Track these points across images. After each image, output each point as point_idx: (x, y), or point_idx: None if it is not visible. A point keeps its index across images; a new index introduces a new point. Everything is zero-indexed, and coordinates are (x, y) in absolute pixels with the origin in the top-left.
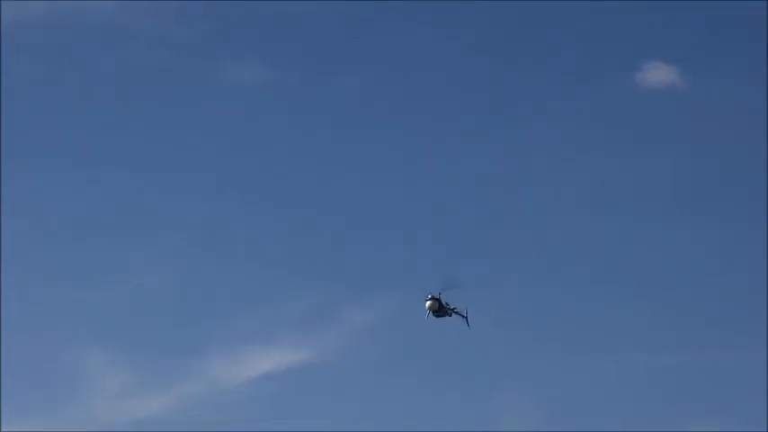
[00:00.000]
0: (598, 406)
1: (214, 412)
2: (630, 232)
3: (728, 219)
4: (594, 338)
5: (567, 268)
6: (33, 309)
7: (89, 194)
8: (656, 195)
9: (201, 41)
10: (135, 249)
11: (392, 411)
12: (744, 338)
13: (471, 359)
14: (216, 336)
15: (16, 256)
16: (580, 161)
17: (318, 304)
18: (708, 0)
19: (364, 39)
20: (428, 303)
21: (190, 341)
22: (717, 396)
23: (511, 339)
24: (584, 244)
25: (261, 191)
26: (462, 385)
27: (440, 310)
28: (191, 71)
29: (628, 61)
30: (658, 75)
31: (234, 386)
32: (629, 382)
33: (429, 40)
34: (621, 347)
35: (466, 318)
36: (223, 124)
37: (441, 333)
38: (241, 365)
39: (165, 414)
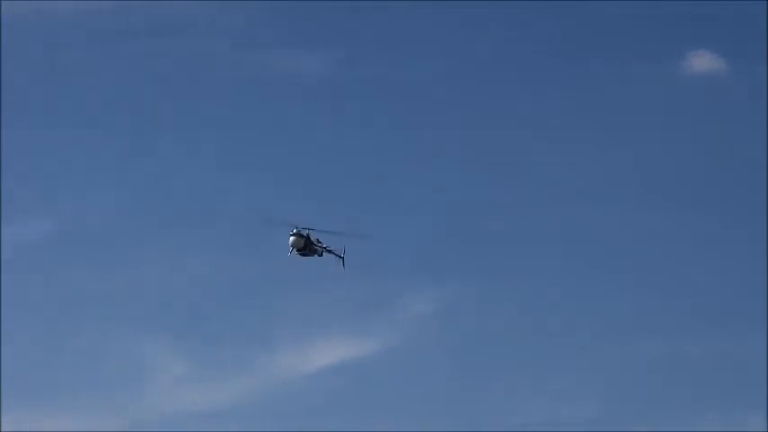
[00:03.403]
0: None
1: (276, 404)
2: (670, 223)
3: None
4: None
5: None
6: (94, 297)
7: (146, 182)
8: (692, 184)
9: (256, 31)
10: (197, 238)
11: (453, 403)
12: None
13: (537, 349)
14: (279, 326)
15: (75, 243)
16: (619, 149)
17: (379, 294)
18: None
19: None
20: (291, 239)
21: (253, 331)
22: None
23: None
24: (615, 235)
25: (320, 178)
26: (529, 376)
27: (306, 248)
28: (244, 61)
29: (673, 49)
30: (703, 63)
31: (297, 378)
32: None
33: (479, 26)
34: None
35: (342, 258)
36: (278, 115)
37: (497, 324)
38: (304, 357)
39: (227, 405)
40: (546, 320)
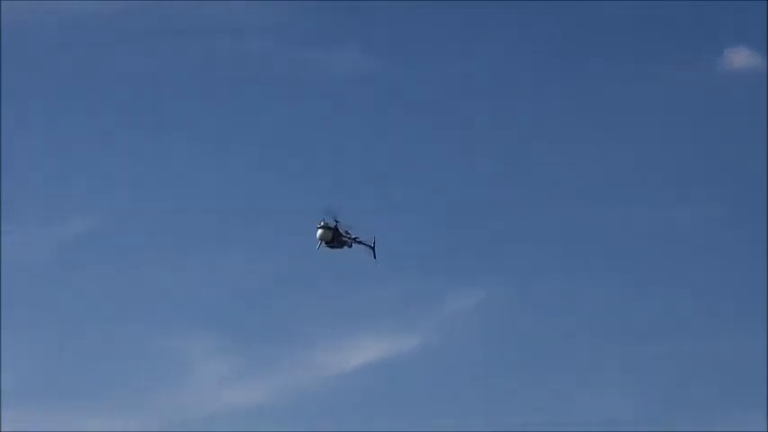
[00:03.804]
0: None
1: (315, 402)
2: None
3: None
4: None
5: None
6: (135, 295)
7: (186, 180)
8: (733, 181)
9: (299, 30)
10: (237, 236)
11: (492, 402)
12: None
13: (573, 348)
14: (318, 324)
15: (117, 242)
16: (656, 147)
17: (421, 290)
18: None
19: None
20: (319, 232)
21: (293, 329)
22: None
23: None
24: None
25: (364, 177)
26: (565, 374)
27: (335, 240)
28: (289, 60)
29: (710, 46)
30: (741, 60)
31: (338, 374)
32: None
33: (517, 23)
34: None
35: (372, 248)
36: (322, 115)
37: (535, 322)
38: (343, 354)
39: (270, 402)
40: (583, 319)
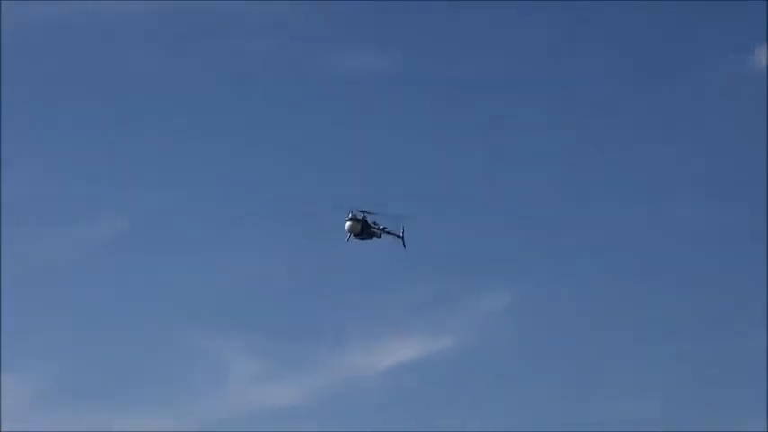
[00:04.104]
0: None
1: (348, 402)
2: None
3: None
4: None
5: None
6: (167, 295)
7: (216, 180)
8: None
9: (313, 27)
10: (269, 235)
11: (525, 401)
12: None
13: (607, 347)
14: (351, 323)
15: (147, 242)
16: (689, 143)
17: (453, 290)
18: None
19: (478, 24)
20: (348, 225)
21: (326, 329)
22: None
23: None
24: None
25: (389, 176)
26: (600, 374)
27: (363, 231)
28: (302, 58)
29: (741, 43)
30: None
31: (371, 375)
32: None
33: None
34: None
35: (401, 237)
36: (336, 112)
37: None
38: (376, 354)
39: (301, 402)
40: (616, 320)
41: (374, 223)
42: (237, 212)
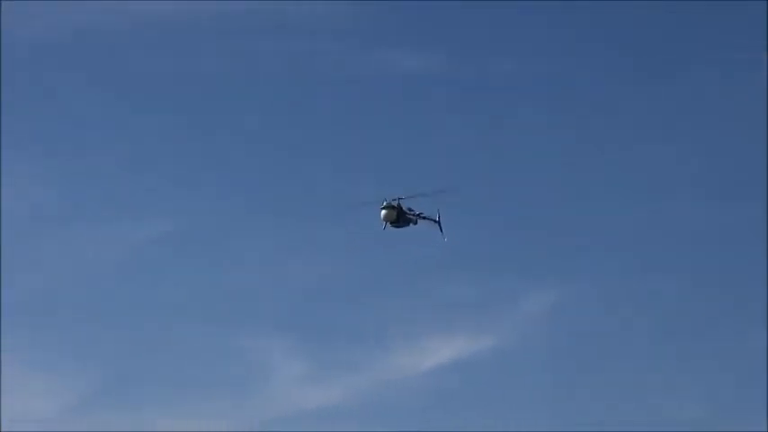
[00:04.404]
0: None
1: (390, 403)
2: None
3: None
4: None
5: None
6: (211, 297)
7: (261, 182)
8: None
9: (357, 30)
10: (312, 237)
11: (566, 403)
12: None
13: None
14: (393, 325)
15: (193, 243)
16: (720, 146)
17: (496, 291)
18: None
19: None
20: (383, 213)
21: (368, 330)
22: None
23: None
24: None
25: (429, 177)
26: (643, 375)
27: (399, 219)
28: (346, 59)
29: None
30: None
31: (411, 377)
32: None
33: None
34: None
35: (438, 222)
36: (380, 112)
37: (612, 323)
38: (418, 355)
39: (343, 403)
40: (659, 320)
41: (409, 209)
42: (282, 214)
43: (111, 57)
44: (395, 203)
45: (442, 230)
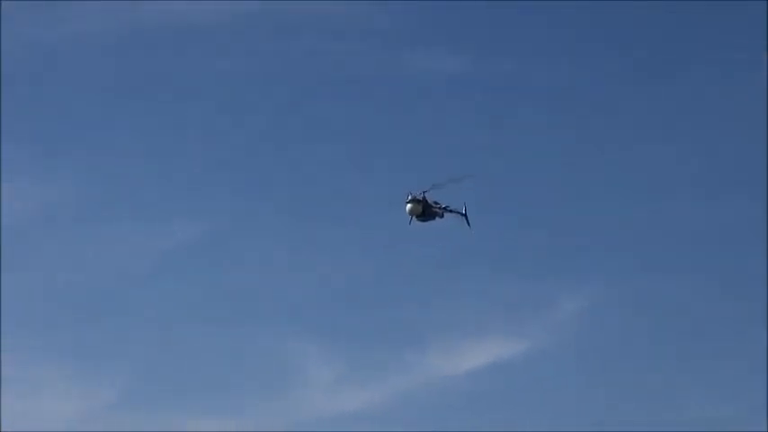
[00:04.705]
0: None
1: (427, 405)
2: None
3: None
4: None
5: None
6: (245, 299)
7: (294, 183)
8: None
9: (389, 31)
10: (348, 238)
11: (604, 404)
12: None
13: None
14: (430, 326)
15: (225, 246)
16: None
17: (530, 293)
18: None
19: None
20: (409, 207)
21: (404, 332)
22: None
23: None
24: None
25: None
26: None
27: (425, 212)
28: (378, 61)
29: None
30: None
31: (447, 379)
32: None
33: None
34: None
35: (465, 215)
36: (413, 114)
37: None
38: (455, 357)
39: (378, 407)
40: (696, 322)
41: (435, 203)
42: (313, 216)
43: (151, 57)
44: (420, 197)
45: (468, 223)
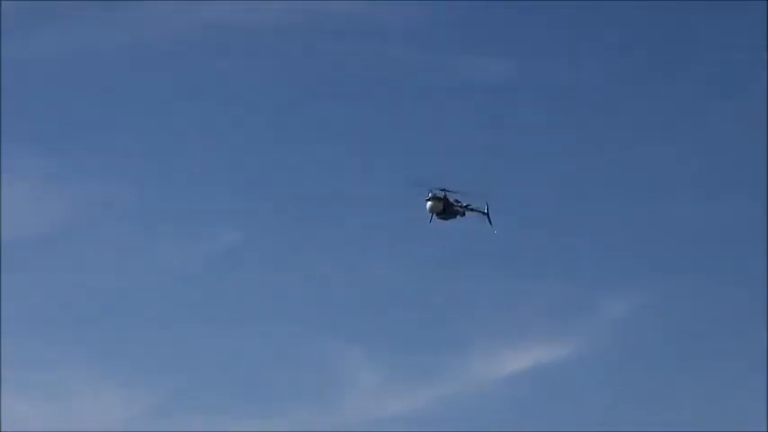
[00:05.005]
0: None
1: (469, 410)
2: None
3: None
4: None
5: None
6: (287, 305)
7: (332, 187)
8: None
9: (439, 36)
10: (388, 245)
11: (647, 409)
12: None
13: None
14: (471, 331)
15: (264, 253)
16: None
17: (572, 297)
18: None
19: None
20: (429, 204)
21: (446, 337)
22: None
23: None
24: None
25: (507, 183)
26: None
27: (446, 210)
28: (429, 67)
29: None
30: None
31: (489, 383)
32: None
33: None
34: None
35: (487, 214)
36: (462, 120)
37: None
38: (496, 362)
39: (422, 412)
40: (743, 323)
41: (457, 201)
42: (356, 222)
43: (193, 62)
44: (441, 194)
45: (491, 222)
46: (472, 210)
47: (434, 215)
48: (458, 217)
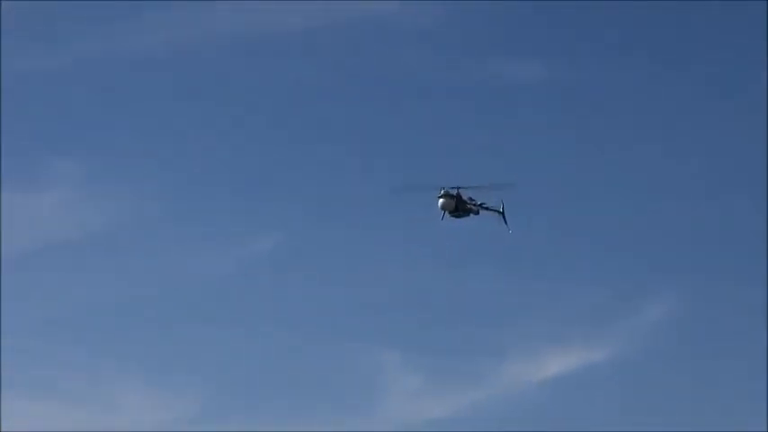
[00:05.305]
0: None
1: (508, 414)
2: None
3: None
4: None
5: None
6: (325, 310)
7: (367, 191)
8: None
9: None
10: (424, 249)
11: (687, 414)
12: None
13: None
14: (510, 334)
15: (302, 257)
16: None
17: (613, 301)
18: None
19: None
20: (441, 201)
21: (484, 340)
22: None
23: None
24: None
25: (550, 186)
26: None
27: (459, 208)
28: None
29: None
30: None
31: (528, 387)
32: None
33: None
34: None
35: (502, 213)
36: (501, 124)
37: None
38: (536, 365)
39: (459, 416)
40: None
41: (470, 199)
42: (392, 227)
43: (229, 69)
44: (453, 192)
45: (506, 222)
46: (487, 208)
47: (447, 213)
48: (471, 215)
